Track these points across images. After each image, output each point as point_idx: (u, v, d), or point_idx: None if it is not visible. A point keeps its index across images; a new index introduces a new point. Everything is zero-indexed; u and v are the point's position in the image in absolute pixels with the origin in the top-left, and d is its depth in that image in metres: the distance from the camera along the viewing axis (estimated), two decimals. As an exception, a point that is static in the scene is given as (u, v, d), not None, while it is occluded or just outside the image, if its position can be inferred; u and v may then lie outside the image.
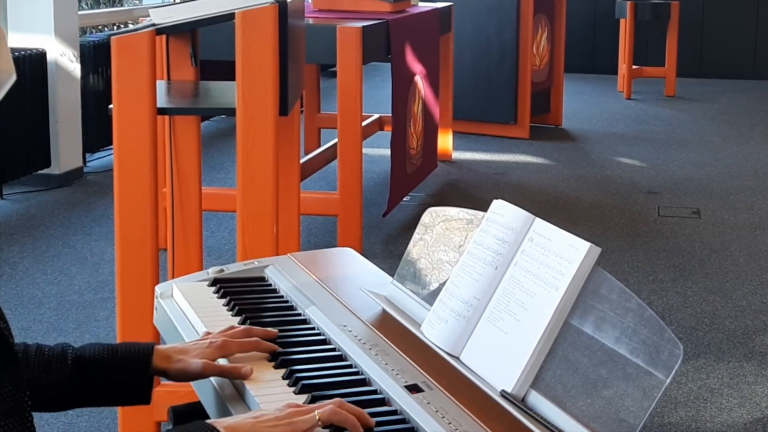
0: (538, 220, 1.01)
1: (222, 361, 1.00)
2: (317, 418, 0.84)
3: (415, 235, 1.15)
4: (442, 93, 3.99)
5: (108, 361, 0.98)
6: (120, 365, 0.98)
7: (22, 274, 2.84)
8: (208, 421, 0.83)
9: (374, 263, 1.30)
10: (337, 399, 0.88)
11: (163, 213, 2.19)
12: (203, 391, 1.04)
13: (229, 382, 0.99)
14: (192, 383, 1.08)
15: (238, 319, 1.12)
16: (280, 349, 1.03)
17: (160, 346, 1.01)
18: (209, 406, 1.03)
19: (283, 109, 1.77)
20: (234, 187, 1.86)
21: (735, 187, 3.98)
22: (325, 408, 0.85)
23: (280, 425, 0.83)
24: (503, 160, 4.40)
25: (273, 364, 1.01)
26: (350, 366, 1.00)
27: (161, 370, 1.00)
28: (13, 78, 0.80)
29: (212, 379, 1.01)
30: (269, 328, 1.06)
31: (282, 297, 1.20)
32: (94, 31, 4.75)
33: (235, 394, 0.97)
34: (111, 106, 1.73)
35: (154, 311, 1.22)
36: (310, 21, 3.13)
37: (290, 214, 2.13)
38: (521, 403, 0.90)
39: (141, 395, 1.00)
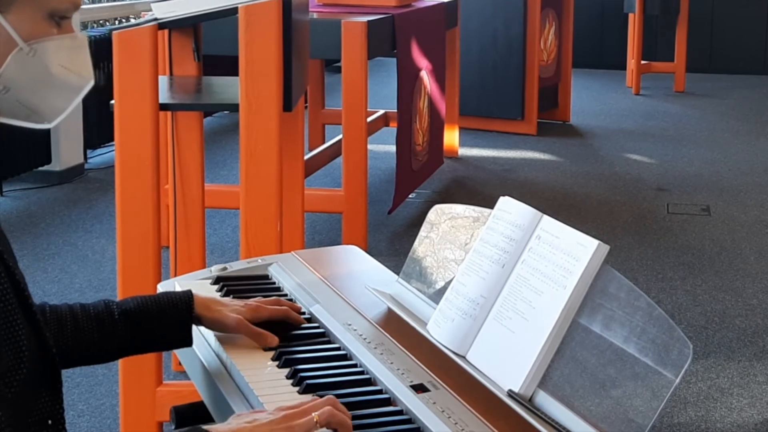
0: (545, 217, 1.00)
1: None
2: (315, 420, 0.83)
3: (421, 233, 1.13)
4: (448, 88, 3.97)
5: (154, 312, 1.02)
6: (166, 314, 1.02)
7: (22, 272, 2.83)
8: (204, 426, 0.83)
9: (379, 261, 1.29)
10: (330, 397, 0.87)
11: (166, 210, 2.18)
12: (205, 390, 1.03)
13: (231, 378, 0.98)
14: (195, 383, 1.08)
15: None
16: (306, 324, 1.08)
17: (198, 294, 1.06)
18: (210, 404, 1.02)
19: (287, 105, 1.76)
20: (237, 183, 1.85)
21: (745, 184, 3.95)
22: (323, 410, 0.84)
23: (278, 429, 0.82)
24: (510, 157, 4.38)
25: (277, 363, 1.00)
26: (355, 365, 1.00)
27: (198, 317, 1.04)
28: (91, 83, 0.85)
29: (214, 376, 1.00)
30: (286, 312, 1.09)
31: (286, 295, 1.19)
32: (95, 25, 4.74)
33: (237, 393, 0.96)
34: (112, 101, 1.73)
35: (156, 310, 1.21)
36: (315, 15, 3.12)
37: (294, 212, 2.11)
38: (529, 403, 0.90)
39: (185, 339, 1.05)
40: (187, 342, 1.05)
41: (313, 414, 0.84)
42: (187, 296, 1.04)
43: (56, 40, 0.81)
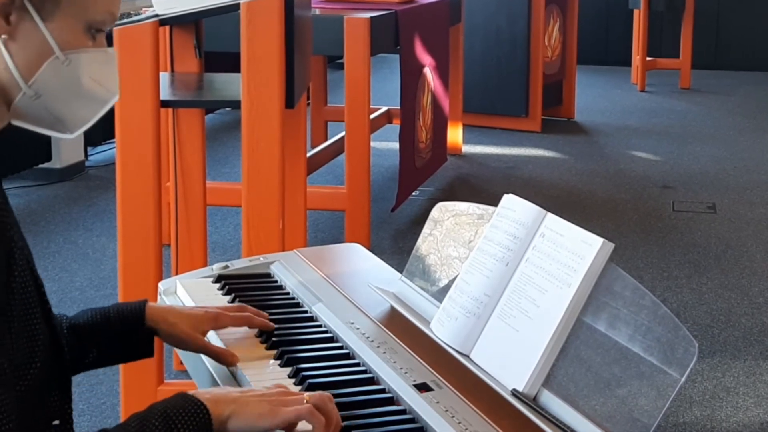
0: (549, 215, 0.99)
1: (216, 341, 1.03)
2: (305, 400, 0.84)
3: (424, 231, 1.12)
4: (451, 85, 3.96)
5: (102, 325, 1.00)
6: (115, 328, 1.00)
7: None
8: (191, 392, 0.83)
9: (382, 259, 1.28)
10: (325, 394, 0.86)
11: (167, 208, 2.19)
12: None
13: (233, 378, 0.98)
14: (196, 382, 1.07)
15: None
16: (273, 326, 1.05)
17: (153, 304, 1.03)
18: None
19: (290, 102, 1.75)
20: (239, 181, 1.84)
21: (751, 181, 3.93)
22: (313, 394, 0.85)
23: (267, 400, 0.83)
24: (514, 154, 4.36)
25: (279, 362, 0.99)
26: (358, 364, 0.99)
27: (155, 329, 1.01)
28: (117, 98, 0.87)
29: (216, 375, 0.99)
30: (264, 317, 1.07)
31: (288, 294, 1.18)
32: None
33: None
34: (114, 98, 1.71)
35: (157, 308, 1.20)
36: (317, 11, 3.11)
37: (296, 209, 2.10)
38: (533, 402, 0.89)
39: (142, 351, 1.02)
40: (145, 353, 1.01)
41: (305, 394, 0.84)
42: (138, 308, 1.01)
43: (90, 53, 0.83)
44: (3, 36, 0.79)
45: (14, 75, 0.80)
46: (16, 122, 0.85)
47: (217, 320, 1.02)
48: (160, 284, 1.23)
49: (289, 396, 0.84)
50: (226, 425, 0.81)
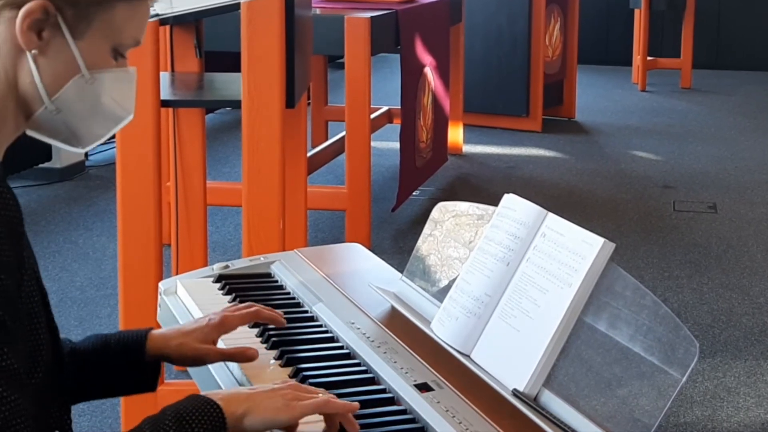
0: (550, 215, 0.98)
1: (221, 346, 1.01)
2: (319, 394, 0.84)
3: (425, 231, 1.12)
4: (452, 85, 3.95)
5: (100, 353, 0.98)
6: (112, 356, 0.98)
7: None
8: (202, 393, 0.83)
9: (383, 259, 1.28)
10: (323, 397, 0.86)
11: (167, 208, 2.18)
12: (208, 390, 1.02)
13: (236, 382, 0.97)
14: (197, 382, 1.07)
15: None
16: (284, 321, 1.04)
17: (157, 331, 1.01)
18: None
19: (290, 102, 1.75)
20: (239, 181, 1.84)
21: (752, 181, 3.92)
22: (322, 390, 0.86)
23: (281, 395, 0.83)
24: (515, 154, 4.36)
25: (280, 362, 0.99)
26: (358, 364, 0.99)
27: (161, 355, 0.99)
28: (131, 117, 0.89)
29: (218, 379, 0.99)
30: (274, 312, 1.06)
31: (288, 294, 1.18)
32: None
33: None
34: (114, 98, 1.71)
35: (158, 308, 1.21)
36: (317, 11, 3.10)
37: (297, 209, 2.10)
38: (533, 402, 0.89)
39: (142, 384, 1.00)
40: (147, 385, 0.99)
41: (319, 393, 0.84)
42: (139, 336, 0.98)
43: (113, 72, 0.85)
44: (34, 51, 0.80)
45: (39, 89, 0.81)
46: (31, 133, 0.86)
47: (223, 325, 1.00)
48: (160, 284, 1.23)
49: (302, 390, 0.84)
50: (242, 423, 0.80)
